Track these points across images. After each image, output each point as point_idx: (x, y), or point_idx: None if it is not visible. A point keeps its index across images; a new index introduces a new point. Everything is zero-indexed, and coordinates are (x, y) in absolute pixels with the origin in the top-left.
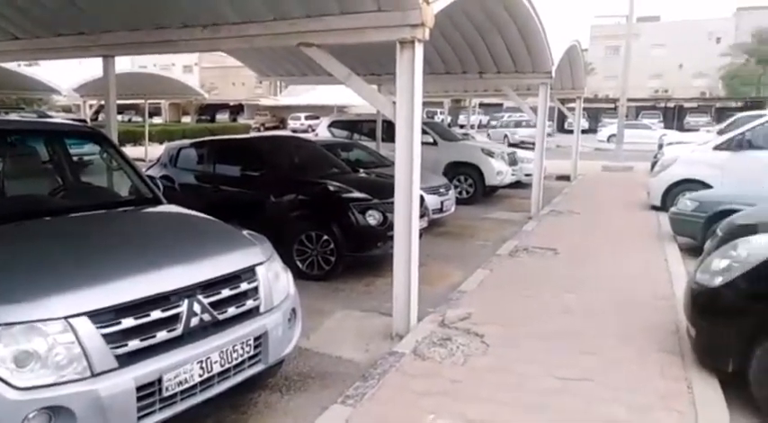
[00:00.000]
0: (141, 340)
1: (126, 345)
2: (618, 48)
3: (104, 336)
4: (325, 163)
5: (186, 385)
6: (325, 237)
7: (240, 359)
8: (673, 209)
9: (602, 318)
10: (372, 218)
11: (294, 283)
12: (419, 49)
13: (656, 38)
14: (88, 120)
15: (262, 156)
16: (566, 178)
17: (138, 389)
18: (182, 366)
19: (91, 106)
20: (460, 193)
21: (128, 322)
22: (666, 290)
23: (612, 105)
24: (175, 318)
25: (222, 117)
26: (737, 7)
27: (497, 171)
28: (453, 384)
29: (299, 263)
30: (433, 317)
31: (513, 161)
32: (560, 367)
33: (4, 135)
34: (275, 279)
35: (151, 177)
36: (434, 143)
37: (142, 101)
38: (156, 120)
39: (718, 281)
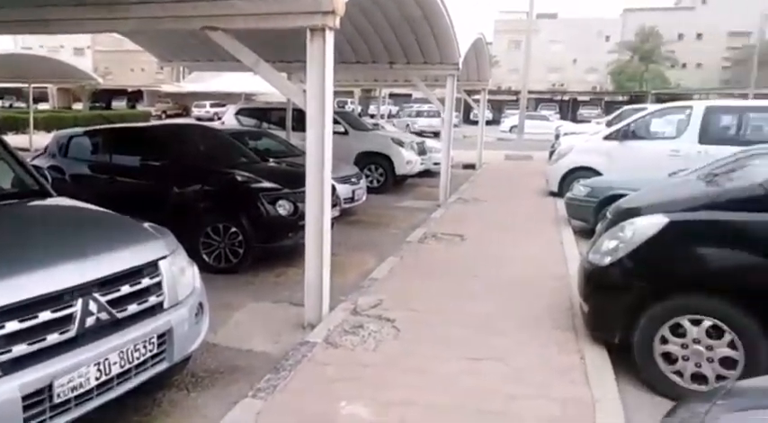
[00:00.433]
0: (29, 344)
1: (10, 351)
2: (520, 42)
3: None
4: (232, 152)
5: (81, 390)
6: (233, 228)
7: (142, 358)
8: (568, 194)
9: (505, 299)
10: (283, 208)
11: (201, 277)
12: (330, 37)
13: (553, 34)
14: None
15: (164, 144)
16: (471, 167)
17: (25, 397)
18: (76, 370)
19: None
20: (371, 182)
21: (11, 326)
22: (562, 270)
23: (515, 97)
24: (68, 318)
25: (119, 104)
26: (624, 8)
27: (407, 160)
28: (366, 370)
29: (205, 256)
30: (345, 305)
31: (422, 151)
32: (468, 348)
33: None
34: (180, 273)
35: (37, 168)
36: (345, 133)
37: (26, 85)
38: (43, 106)
39: (608, 260)
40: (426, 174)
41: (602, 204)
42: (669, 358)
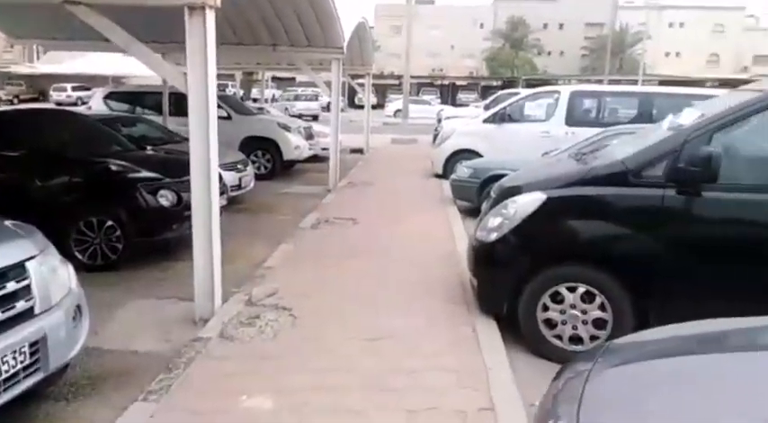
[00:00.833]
0: None
1: None
2: (400, 27)
3: None
4: (103, 140)
5: None
6: (110, 222)
7: (12, 371)
8: (452, 176)
9: (399, 278)
10: (165, 198)
11: (77, 277)
12: (210, 16)
13: (432, 20)
14: None
15: (21, 132)
16: (359, 151)
17: None
18: None
19: None
20: (258, 168)
21: None
22: (451, 247)
23: (397, 82)
24: None
25: None
26: None
27: (295, 145)
28: (265, 361)
29: (78, 254)
30: (239, 296)
31: (309, 135)
32: (366, 329)
33: None
34: (52, 274)
35: None
36: (228, 117)
37: None
38: None
39: (494, 236)
40: (315, 159)
41: (484, 184)
42: (550, 324)
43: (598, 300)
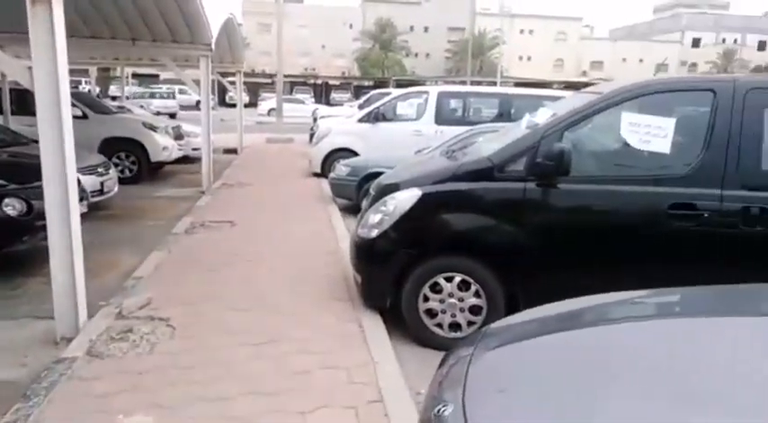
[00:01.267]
0: None
1: None
2: (269, 25)
3: None
4: None
5: None
6: None
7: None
8: (331, 175)
9: (281, 278)
10: (11, 208)
11: None
12: (58, 6)
13: (301, 19)
14: None
15: None
16: (233, 151)
17: None
18: None
19: None
20: (122, 171)
21: None
22: (333, 246)
23: (270, 80)
24: None
25: None
26: None
27: (163, 146)
28: (142, 376)
29: None
30: (108, 310)
31: (178, 135)
32: (251, 333)
33: None
34: None
35: None
36: (84, 117)
37: None
38: None
39: (375, 233)
40: (185, 160)
41: (363, 182)
42: (431, 313)
43: (473, 287)
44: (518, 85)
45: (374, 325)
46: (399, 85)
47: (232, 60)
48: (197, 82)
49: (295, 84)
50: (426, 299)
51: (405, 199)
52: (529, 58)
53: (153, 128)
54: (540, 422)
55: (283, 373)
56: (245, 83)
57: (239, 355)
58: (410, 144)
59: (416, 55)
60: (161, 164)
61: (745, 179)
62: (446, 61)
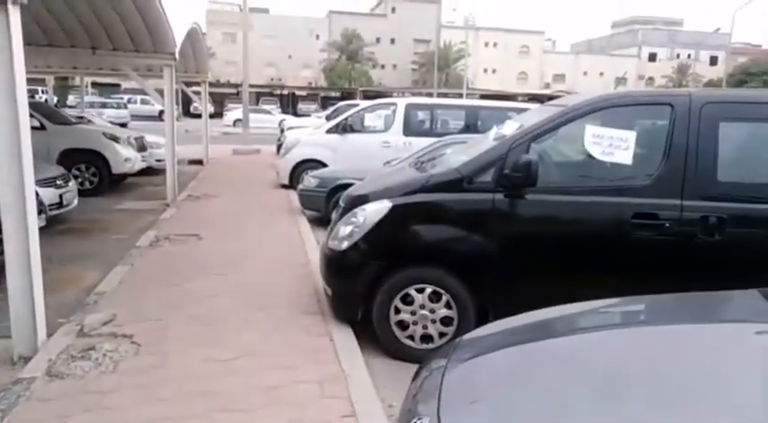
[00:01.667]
0: None
1: None
2: (234, 35)
3: None
4: None
5: None
6: None
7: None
8: (300, 186)
9: (250, 292)
10: None
11: None
12: (15, 13)
13: (267, 29)
14: None
15: None
16: (198, 162)
17: None
18: None
19: None
20: (82, 183)
21: None
22: (302, 258)
23: (235, 91)
24: None
25: None
26: (329, 10)
27: (125, 158)
28: (105, 396)
29: None
30: (68, 327)
31: (141, 147)
32: (219, 350)
33: None
34: None
35: None
36: (42, 128)
37: None
38: None
39: (345, 245)
40: (149, 172)
41: (332, 194)
42: (402, 325)
43: (444, 298)
44: (484, 96)
45: (345, 338)
46: (366, 96)
47: (197, 70)
48: (160, 92)
49: (261, 94)
50: (398, 311)
51: (375, 210)
52: (494, 71)
53: (115, 138)
54: None
55: (254, 388)
56: (210, 93)
57: (208, 371)
58: (379, 155)
59: (383, 66)
60: (123, 176)
61: (703, 190)
62: (413, 73)
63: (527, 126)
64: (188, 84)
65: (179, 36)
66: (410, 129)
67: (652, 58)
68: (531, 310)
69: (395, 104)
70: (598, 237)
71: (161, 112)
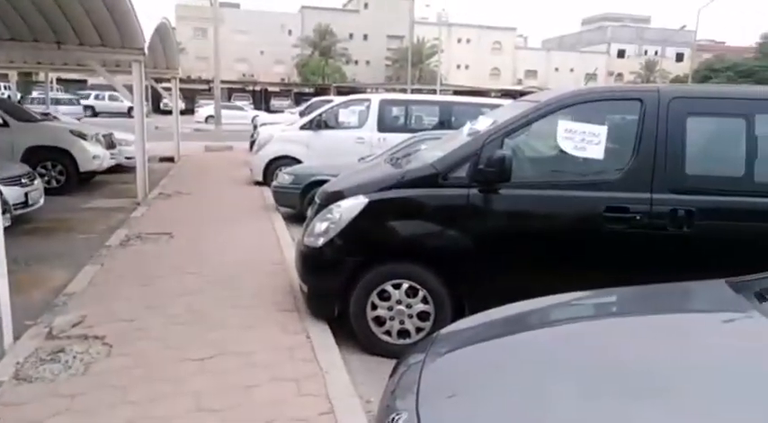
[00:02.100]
0: None
1: None
2: (205, 30)
3: None
4: None
5: None
6: None
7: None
8: (274, 183)
9: (224, 291)
10: None
11: None
12: None
13: (238, 24)
14: None
15: None
16: (170, 160)
17: None
18: None
19: None
20: (49, 182)
21: None
22: (278, 256)
23: (207, 87)
24: None
25: None
26: (301, 5)
27: (93, 155)
28: (75, 399)
29: None
30: (36, 330)
31: (110, 144)
32: (193, 349)
33: None
34: None
35: None
36: (5, 125)
37: None
38: None
39: (321, 241)
40: (118, 169)
41: (306, 190)
42: (379, 321)
43: (421, 293)
44: (457, 92)
45: (322, 335)
46: (340, 92)
47: (167, 66)
48: (129, 88)
49: (233, 90)
50: (374, 306)
51: (350, 207)
52: (467, 67)
53: (82, 135)
54: None
55: (230, 388)
56: (181, 89)
57: (183, 371)
58: (353, 151)
59: (356, 62)
60: (92, 173)
61: (672, 183)
62: (386, 69)
63: (500, 122)
64: (158, 80)
65: (148, 31)
66: (384, 125)
67: (621, 54)
68: (507, 303)
69: (369, 100)
70: (572, 230)
71: (130, 109)
